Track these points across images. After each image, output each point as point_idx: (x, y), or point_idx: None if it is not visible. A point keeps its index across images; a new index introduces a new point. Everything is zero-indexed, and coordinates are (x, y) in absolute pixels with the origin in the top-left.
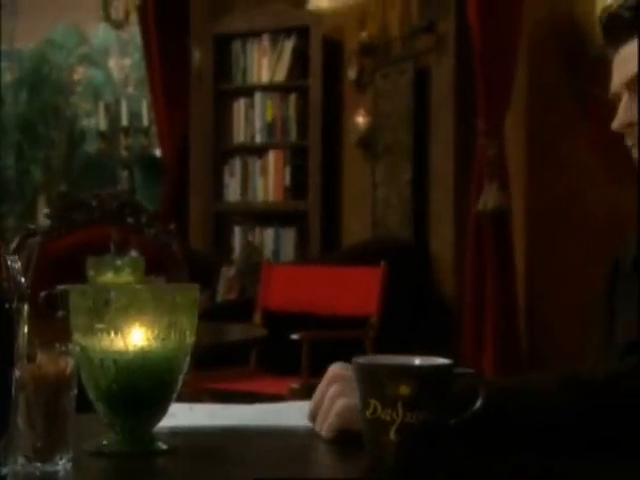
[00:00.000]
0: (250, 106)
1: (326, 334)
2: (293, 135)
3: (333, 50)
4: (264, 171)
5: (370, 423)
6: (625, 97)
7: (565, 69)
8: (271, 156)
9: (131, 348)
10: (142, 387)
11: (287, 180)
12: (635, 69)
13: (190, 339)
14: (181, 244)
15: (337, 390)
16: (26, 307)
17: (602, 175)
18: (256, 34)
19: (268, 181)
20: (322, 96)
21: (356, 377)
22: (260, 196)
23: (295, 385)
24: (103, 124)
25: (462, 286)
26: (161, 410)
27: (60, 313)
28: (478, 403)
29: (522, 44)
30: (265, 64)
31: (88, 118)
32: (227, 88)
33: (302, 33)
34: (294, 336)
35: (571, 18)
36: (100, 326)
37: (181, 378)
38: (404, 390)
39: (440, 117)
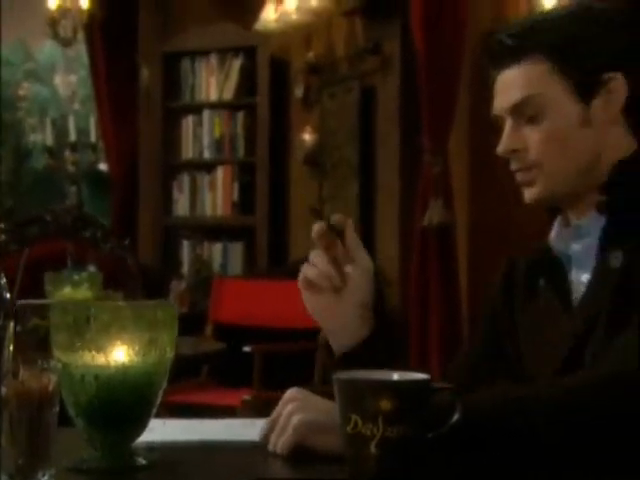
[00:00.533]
0: (198, 123)
1: (278, 346)
2: (241, 151)
3: (280, 69)
4: (212, 186)
5: (351, 438)
6: (509, 122)
7: None
8: (219, 172)
9: (112, 364)
10: (123, 402)
11: (235, 195)
12: (517, 96)
13: (170, 354)
14: (136, 258)
15: (293, 408)
16: (12, 324)
17: None
18: (204, 53)
19: (216, 196)
20: (269, 114)
21: (337, 392)
22: (209, 211)
23: (247, 397)
24: (50, 140)
25: (407, 298)
26: (141, 425)
27: (18, 328)
28: (455, 417)
29: (465, 64)
30: (213, 82)
31: (34, 134)
32: (176, 105)
33: (249, 52)
34: (246, 348)
35: None
36: (81, 343)
37: (161, 393)
38: (385, 405)
39: (386, 135)
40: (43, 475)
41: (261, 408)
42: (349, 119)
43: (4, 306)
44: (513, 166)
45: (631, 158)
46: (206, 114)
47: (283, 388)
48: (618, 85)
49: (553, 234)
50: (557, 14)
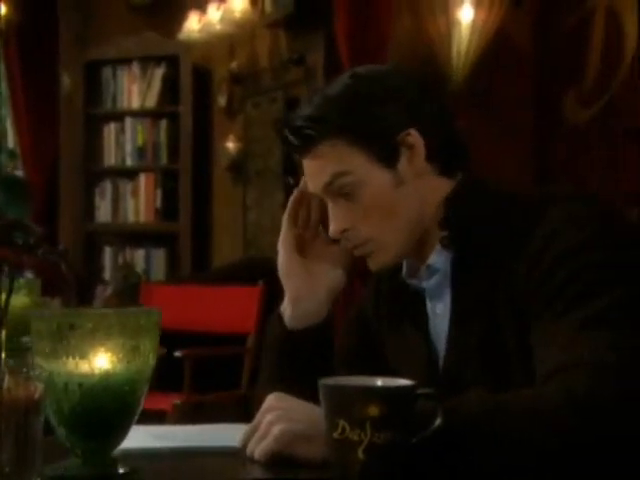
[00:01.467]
0: (121, 130)
1: (208, 351)
2: (164, 159)
3: (203, 78)
4: (135, 193)
5: (338, 443)
6: (330, 205)
7: None
8: (142, 179)
9: (96, 371)
10: (106, 410)
11: (158, 202)
12: (325, 178)
13: (152, 361)
14: (69, 265)
15: (274, 417)
16: (3, 332)
17: None
18: (126, 61)
19: (139, 203)
20: (192, 122)
21: (323, 398)
22: (131, 217)
23: (178, 401)
24: None
25: (334, 303)
26: (122, 433)
27: None
28: (437, 422)
29: None
30: (135, 90)
31: None
32: (97, 113)
33: (172, 61)
34: (177, 353)
35: (430, 58)
36: (65, 350)
37: (142, 400)
38: (373, 411)
39: None
40: None
41: (192, 412)
42: (274, 128)
43: None
44: (348, 244)
45: (455, 192)
46: (128, 122)
47: (213, 392)
48: (414, 139)
49: (405, 272)
50: (336, 92)
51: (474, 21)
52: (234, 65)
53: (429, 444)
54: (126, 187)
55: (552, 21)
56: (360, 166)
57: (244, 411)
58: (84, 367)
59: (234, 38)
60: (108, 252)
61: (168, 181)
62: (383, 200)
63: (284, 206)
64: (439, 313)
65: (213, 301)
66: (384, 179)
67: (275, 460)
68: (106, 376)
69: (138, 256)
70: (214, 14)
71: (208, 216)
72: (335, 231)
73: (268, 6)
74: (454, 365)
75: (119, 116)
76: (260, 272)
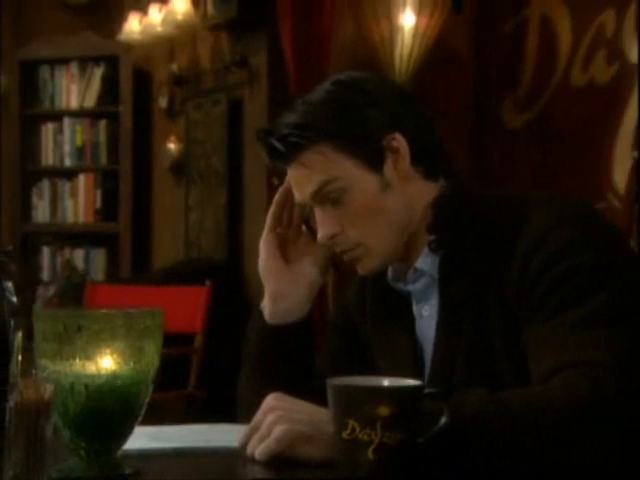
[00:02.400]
0: (59, 131)
1: None
2: (104, 159)
3: (143, 79)
4: (74, 193)
5: (347, 443)
6: (317, 210)
7: None
8: (81, 179)
9: (103, 372)
10: (111, 411)
11: (98, 202)
12: (313, 186)
13: (157, 362)
14: (20, 265)
15: (275, 417)
16: (20, 334)
17: None
18: (64, 61)
19: (78, 203)
20: (133, 123)
21: (333, 399)
22: (70, 217)
23: None
24: None
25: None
26: (126, 434)
27: None
28: (442, 421)
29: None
30: (74, 90)
31: None
32: (34, 113)
33: (111, 62)
34: None
35: (373, 61)
36: (72, 351)
37: (146, 402)
38: (383, 411)
39: (254, 145)
40: None
41: None
42: (217, 130)
43: (14, 315)
44: (337, 249)
45: (442, 196)
46: (67, 122)
47: (160, 391)
48: (398, 143)
49: (390, 275)
50: (319, 99)
51: (416, 26)
52: (175, 67)
53: (435, 443)
54: (65, 187)
55: (489, 28)
56: (347, 171)
57: (190, 411)
58: (91, 368)
59: (175, 40)
60: (46, 252)
61: (108, 181)
62: (371, 204)
63: (227, 207)
64: (426, 315)
65: (160, 301)
66: (371, 183)
67: (276, 460)
68: (112, 377)
69: (77, 256)
70: (155, 16)
71: (148, 217)
72: (324, 237)
73: (211, 9)
74: (441, 366)
75: (57, 116)
76: (202, 272)
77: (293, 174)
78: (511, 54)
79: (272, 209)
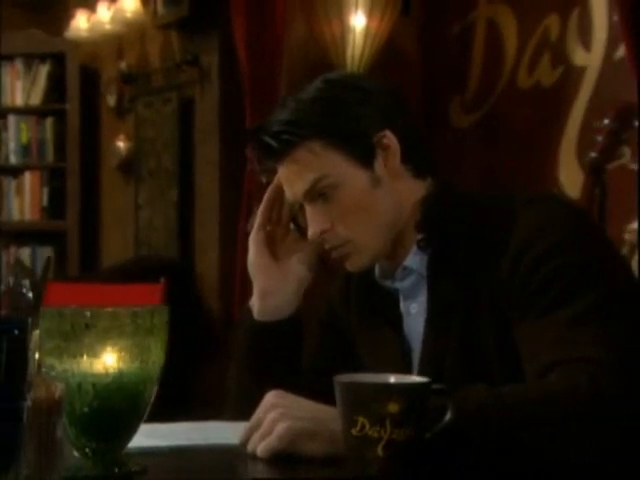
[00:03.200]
0: (4, 128)
1: None
2: (50, 157)
3: (91, 77)
4: (20, 191)
5: (357, 440)
6: (307, 207)
7: None
8: (27, 177)
9: (110, 371)
10: (118, 410)
11: (45, 200)
12: (306, 184)
13: (162, 361)
14: None
15: (277, 415)
16: (36, 333)
17: None
18: (9, 58)
19: (24, 201)
20: (80, 120)
21: (341, 396)
22: (16, 215)
23: None
24: None
25: (231, 302)
26: (132, 433)
27: None
28: (447, 417)
29: (282, 81)
30: (19, 87)
31: None
32: None
33: (58, 59)
34: None
35: (325, 61)
36: (79, 350)
37: (152, 400)
38: (393, 407)
39: (206, 144)
40: None
41: None
42: (167, 128)
43: (30, 313)
44: (327, 246)
45: (431, 195)
46: (12, 119)
47: None
48: (389, 140)
49: (378, 273)
50: (310, 96)
51: (367, 27)
52: (124, 65)
53: (440, 439)
54: (10, 185)
55: (437, 30)
56: (338, 167)
57: None
58: (98, 367)
59: (124, 38)
60: None
61: (55, 179)
62: (361, 200)
63: (178, 205)
64: (413, 313)
65: (114, 299)
66: (362, 179)
67: (277, 457)
68: (120, 376)
69: (24, 254)
70: (104, 13)
71: (97, 215)
72: (314, 233)
73: (161, 8)
74: (430, 364)
75: (2, 113)
76: (153, 271)
77: (284, 172)
78: (459, 56)
79: (262, 206)
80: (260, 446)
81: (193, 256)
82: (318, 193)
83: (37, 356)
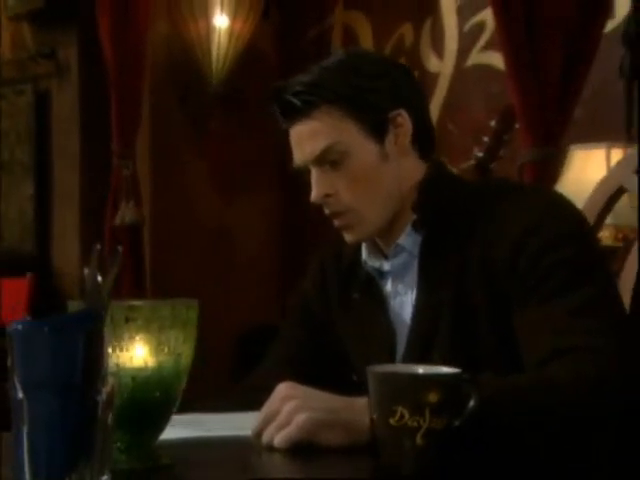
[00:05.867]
0: None
1: None
2: None
3: None
4: None
5: (394, 430)
6: (314, 171)
7: (183, 101)
8: None
9: (150, 364)
10: (154, 403)
11: None
12: (319, 147)
13: (193, 353)
14: None
15: (294, 406)
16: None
17: (212, 193)
18: None
19: None
20: None
21: (379, 386)
22: None
23: None
24: None
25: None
26: (165, 425)
27: None
28: (471, 403)
29: (146, 77)
30: None
31: None
32: None
33: None
34: None
35: (189, 59)
36: (119, 343)
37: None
38: (433, 397)
39: (64, 137)
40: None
41: None
42: (22, 121)
43: (103, 305)
44: (327, 211)
45: (430, 178)
46: None
47: None
48: (403, 119)
49: (365, 254)
50: (333, 65)
51: (231, 28)
52: None
53: (467, 426)
54: None
55: (295, 33)
56: (351, 136)
57: None
58: (138, 360)
59: None
60: None
61: None
62: (368, 171)
63: (35, 198)
64: (401, 293)
65: None
66: (372, 152)
67: (294, 447)
68: (159, 369)
69: None
70: None
71: None
72: (318, 195)
73: None
74: (417, 345)
75: None
76: (8, 265)
77: (299, 132)
78: (316, 59)
79: None
80: (278, 436)
81: (50, 250)
82: (328, 159)
83: (110, 350)
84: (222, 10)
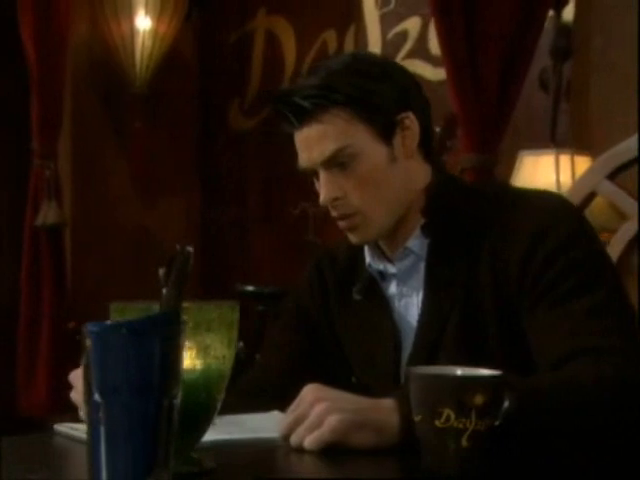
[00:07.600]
0: None
1: None
2: None
3: None
4: None
5: (440, 432)
6: (322, 174)
7: (105, 102)
8: None
9: (198, 367)
10: (200, 406)
11: None
12: (329, 150)
13: (233, 355)
14: None
15: (327, 408)
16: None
17: (133, 195)
18: None
19: None
20: None
21: (425, 388)
22: None
23: None
24: None
25: (17, 299)
26: (206, 429)
27: None
28: (506, 404)
29: (68, 77)
30: None
31: None
32: None
33: None
34: None
35: (112, 60)
36: None
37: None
38: (479, 399)
39: None
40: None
41: None
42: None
43: (180, 307)
44: (335, 213)
45: (439, 182)
46: None
47: None
48: (411, 122)
49: (370, 257)
50: (340, 67)
51: (155, 30)
52: None
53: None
54: None
55: (216, 36)
56: (360, 139)
57: None
58: (186, 362)
59: None
60: None
61: None
62: (377, 174)
63: None
64: (406, 295)
65: None
66: (380, 154)
67: (325, 449)
68: (207, 371)
69: None
70: None
71: None
72: (326, 199)
73: None
74: (425, 347)
75: None
76: None
77: (307, 135)
78: (238, 62)
79: None
80: (309, 438)
81: None
82: (337, 161)
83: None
84: (146, 12)
